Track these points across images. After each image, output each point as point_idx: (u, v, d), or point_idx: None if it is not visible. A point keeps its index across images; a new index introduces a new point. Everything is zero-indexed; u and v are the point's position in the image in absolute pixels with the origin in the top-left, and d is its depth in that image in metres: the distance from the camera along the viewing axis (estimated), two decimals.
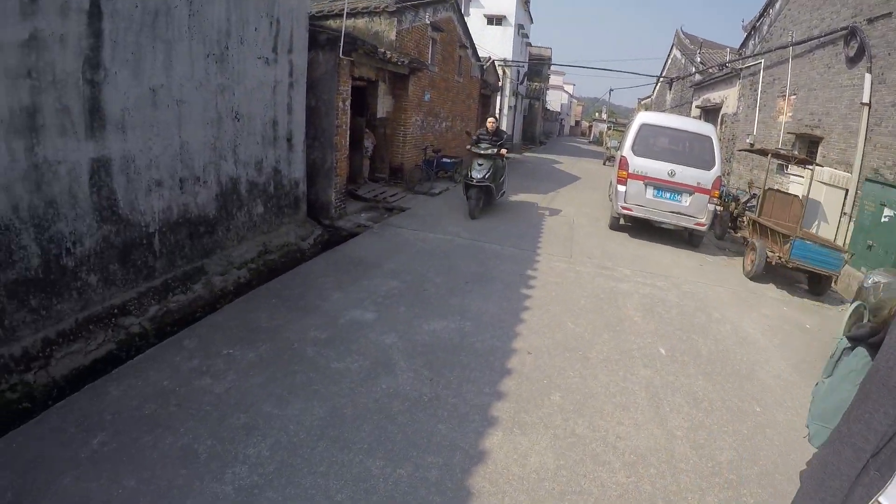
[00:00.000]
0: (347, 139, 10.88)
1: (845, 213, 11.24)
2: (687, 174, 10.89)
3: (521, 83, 37.03)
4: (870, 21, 11.13)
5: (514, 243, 9.68)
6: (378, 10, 12.99)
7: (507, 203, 13.82)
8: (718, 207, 12.18)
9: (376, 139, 13.39)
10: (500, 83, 28.64)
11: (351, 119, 12.04)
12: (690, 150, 11.39)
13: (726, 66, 21.91)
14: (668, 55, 37.93)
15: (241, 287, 6.80)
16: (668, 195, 11.02)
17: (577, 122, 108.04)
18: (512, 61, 30.73)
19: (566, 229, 11.55)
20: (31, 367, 4.14)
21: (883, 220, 9.64)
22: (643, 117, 11.86)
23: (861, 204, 10.40)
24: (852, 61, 11.79)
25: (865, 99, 10.89)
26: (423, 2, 14.23)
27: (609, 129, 39.90)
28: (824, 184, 11.65)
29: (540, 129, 51.49)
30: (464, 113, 20.17)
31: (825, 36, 12.98)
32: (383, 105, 13.63)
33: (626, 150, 11.33)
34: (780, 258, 9.26)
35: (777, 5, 16.89)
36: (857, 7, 11.90)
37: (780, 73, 16.03)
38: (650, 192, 11.05)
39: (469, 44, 19.63)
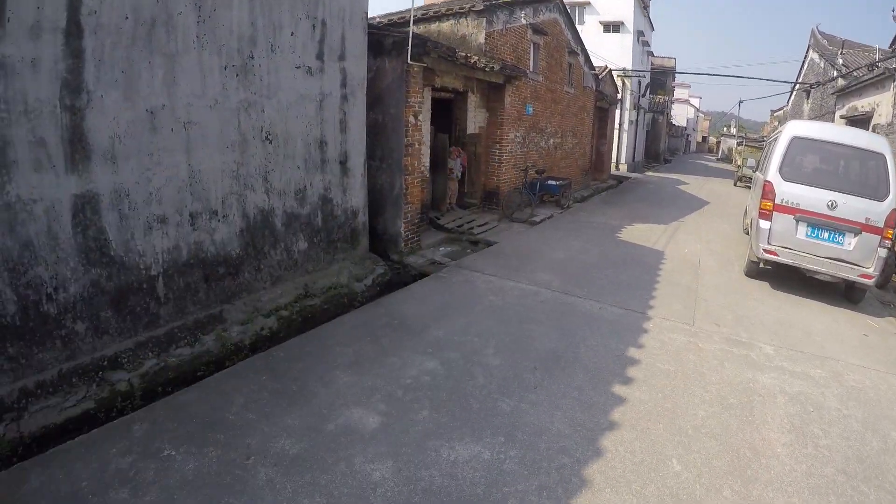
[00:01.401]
0: (422, 160, 9.36)
1: None
2: (852, 206, 8.17)
3: (643, 95, 34.07)
4: None
5: (620, 299, 7.27)
6: (464, 10, 11.21)
7: (619, 237, 11.38)
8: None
9: (466, 159, 11.60)
10: (618, 95, 26.00)
11: (433, 136, 10.45)
12: (857, 173, 8.74)
13: (877, 66, 18.25)
14: (805, 59, 33.52)
15: (261, 341, 5.70)
16: (826, 235, 8.27)
17: (704, 138, 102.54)
18: (632, 71, 27.97)
19: (689, 276, 8.92)
20: (2, 418, 3.83)
21: None
22: (795, 128, 9.08)
23: None
24: None
25: None
26: (518, 0, 12.39)
27: (740, 145, 35.97)
28: None
29: (664, 145, 47.93)
30: (576, 128, 17.85)
31: None
32: (475, 120, 11.81)
33: (772, 173, 8.72)
34: None
35: None
36: None
37: None
38: (802, 230, 8.37)
39: (580, 49, 17.39)
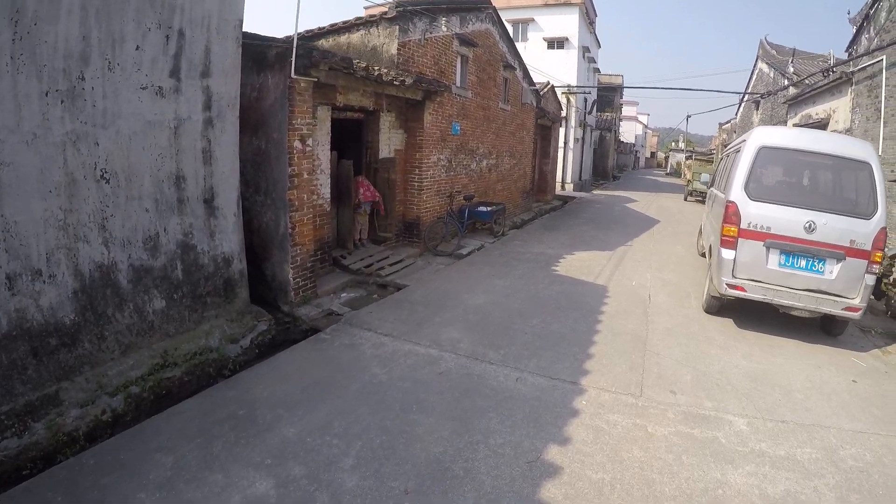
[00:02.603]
0: (320, 191, 8.16)
1: None
2: (834, 227, 6.83)
3: (590, 113, 33.33)
4: None
5: (545, 362, 5.75)
6: (374, 18, 9.80)
7: (556, 271, 9.94)
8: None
9: (379, 187, 10.06)
10: (562, 112, 24.97)
11: (335, 163, 8.95)
12: (838, 187, 7.43)
13: (833, 71, 17.67)
14: (753, 70, 33.51)
15: (101, 428, 4.60)
16: (803, 263, 6.90)
17: (653, 154, 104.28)
18: (576, 87, 27.07)
19: (637, 319, 7.48)
20: None
21: None
22: (762, 136, 7.55)
23: None
24: None
25: None
26: (440, 6, 10.99)
27: (689, 158, 35.64)
28: None
29: (613, 162, 47.51)
30: (514, 147, 16.54)
31: None
32: (389, 142, 10.29)
33: (736, 191, 7.26)
34: None
35: None
36: None
37: None
38: (774, 258, 7.02)
39: (517, 63, 16.12)
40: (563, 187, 27.62)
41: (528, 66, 17.82)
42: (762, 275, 7.04)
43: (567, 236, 13.96)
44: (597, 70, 35.72)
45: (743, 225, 7.07)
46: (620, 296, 8.53)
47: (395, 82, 8.59)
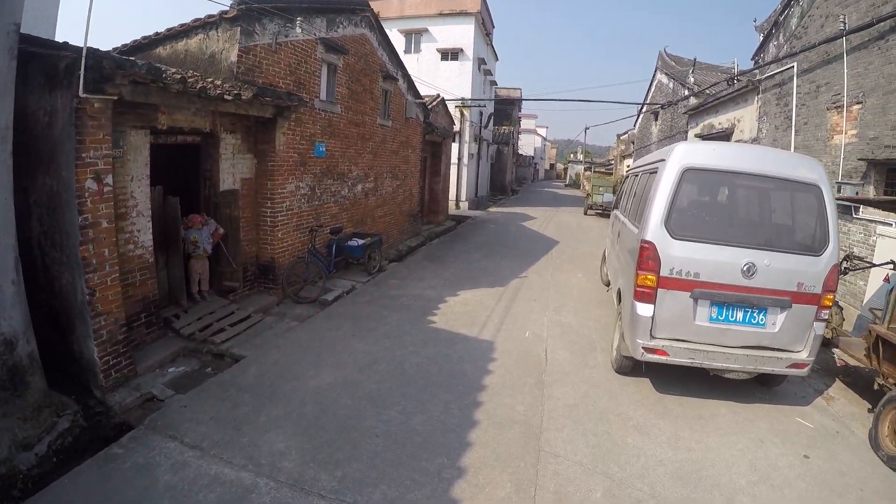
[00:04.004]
0: (138, 238, 6.68)
1: None
2: (778, 268, 5.79)
3: (486, 126, 32.74)
4: None
5: (396, 489, 4.35)
6: (213, 20, 8.17)
7: (433, 323, 8.58)
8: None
9: (222, 226, 8.38)
10: (455, 127, 24.01)
11: (160, 201, 7.26)
12: (781, 217, 6.38)
13: (738, 80, 17.81)
14: (652, 81, 34.56)
15: None
16: (740, 316, 5.90)
17: (552, 166, 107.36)
18: (471, 100, 26.25)
19: (529, 394, 6.23)
20: None
21: None
22: (686, 154, 6.09)
23: None
24: None
25: None
26: (300, 6, 9.46)
27: (588, 170, 35.97)
28: None
29: (511, 176, 47.60)
30: (397, 167, 15.18)
31: None
32: (234, 170, 8.59)
33: (654, 227, 5.96)
34: None
35: None
36: None
37: (828, 77, 11.83)
38: (704, 312, 5.89)
39: (401, 74, 14.82)
40: (457, 206, 26.68)
41: (416, 78, 16.65)
42: (689, 333, 5.96)
43: (453, 269, 12.74)
44: (494, 83, 35.27)
45: (663, 272, 5.86)
46: (510, 356, 7.30)
47: (226, 97, 6.98)
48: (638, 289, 5.97)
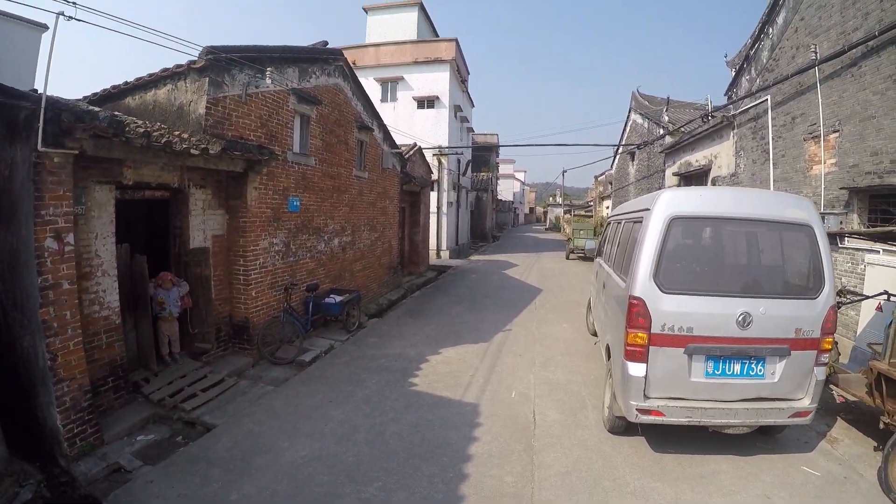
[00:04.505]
0: (104, 298, 6.45)
1: None
2: (774, 316, 5.59)
3: (464, 174, 32.94)
4: None
5: None
6: (182, 69, 8.06)
7: (415, 386, 8.23)
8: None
9: (193, 285, 8.07)
10: (432, 175, 24.07)
11: (126, 259, 7.00)
12: (774, 261, 6.19)
13: (712, 116, 18.15)
14: (627, 122, 35.29)
15: None
16: (737, 368, 5.66)
17: (532, 210, 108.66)
18: (447, 148, 26.43)
19: (518, 462, 5.86)
20: None
21: None
22: (672, 202, 5.91)
23: None
24: None
25: None
26: (271, 55, 9.42)
27: (568, 213, 36.24)
28: None
29: (492, 222, 47.80)
30: (375, 219, 15.05)
31: (882, 34, 9.12)
32: (204, 226, 8.36)
33: (642, 282, 5.75)
34: None
35: (780, 19, 13.06)
36: None
37: (803, 108, 12.08)
38: (699, 368, 5.64)
39: (376, 125, 14.84)
40: (438, 255, 26.55)
41: (392, 128, 16.72)
42: (685, 390, 5.68)
43: (435, 324, 12.44)
44: (470, 129, 35.70)
45: (655, 329, 5.61)
46: (496, 421, 6.94)
47: (192, 151, 6.79)
48: (628, 348, 5.74)
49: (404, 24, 29.50)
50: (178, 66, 8.01)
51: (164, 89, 8.24)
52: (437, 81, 27.55)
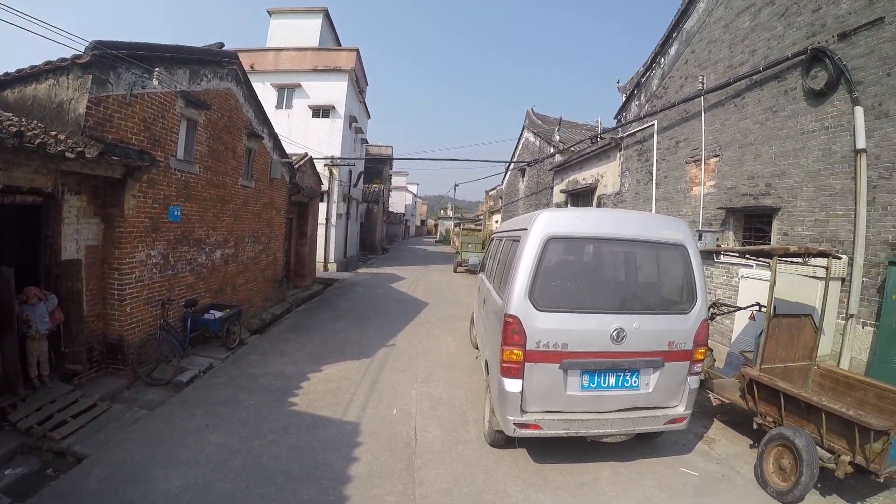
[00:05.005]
0: None
1: (852, 316, 8.54)
2: (647, 330, 6.07)
3: (356, 185, 32.87)
4: (843, 37, 8.97)
5: None
6: (65, 64, 7.64)
7: (294, 406, 8.19)
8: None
9: (63, 300, 7.58)
10: (322, 186, 23.87)
11: None
12: (648, 279, 6.71)
13: (601, 138, 19.61)
14: (519, 139, 36.81)
15: None
16: (612, 381, 6.07)
17: (423, 222, 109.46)
18: (339, 159, 26.32)
19: (399, 481, 5.96)
20: None
21: None
22: (548, 223, 6.19)
23: (887, 301, 7.75)
24: (820, 95, 9.32)
25: (861, 143, 8.50)
26: (161, 54, 9.08)
27: (458, 227, 37.06)
28: (803, 276, 8.77)
29: (382, 234, 47.90)
30: (260, 230, 14.75)
31: (766, 70, 10.50)
32: (77, 236, 7.86)
33: (517, 300, 5.96)
34: (851, 466, 5.57)
35: (672, 50, 14.47)
36: (814, 24, 9.58)
37: (686, 133, 13.49)
38: (575, 382, 5.98)
39: (267, 132, 14.61)
40: (325, 268, 26.30)
41: (284, 138, 16.51)
42: (561, 404, 6.01)
43: (318, 340, 12.37)
44: (365, 140, 35.70)
45: (530, 346, 5.85)
46: (377, 440, 7.04)
47: (68, 154, 6.48)
48: (504, 364, 5.96)
49: (307, 31, 29.22)
50: (63, 59, 7.60)
51: (46, 84, 7.79)
52: (335, 91, 27.44)
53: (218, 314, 10.55)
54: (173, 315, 9.72)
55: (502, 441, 6.76)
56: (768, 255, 7.44)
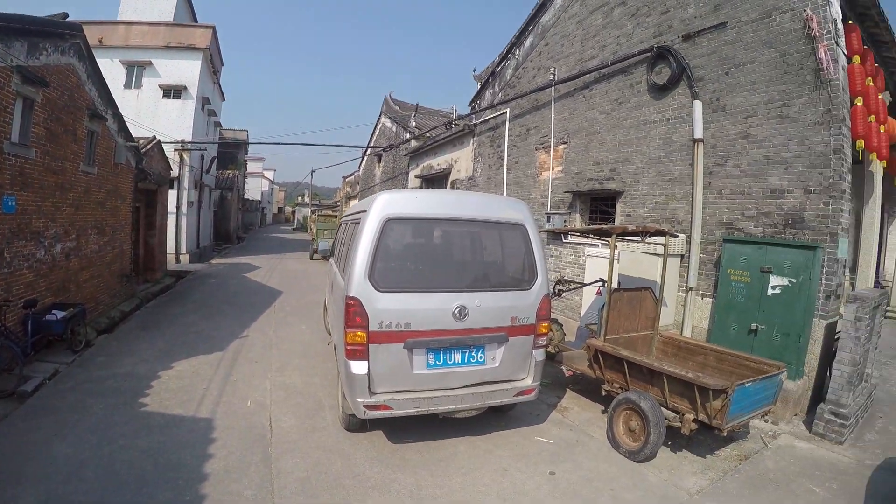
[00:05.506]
0: None
1: (691, 288, 9.75)
2: (490, 307, 6.39)
3: (208, 171, 31.44)
4: (687, 37, 10.04)
5: None
6: None
7: (146, 406, 7.77)
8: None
9: None
10: (172, 172, 22.62)
11: None
12: (490, 257, 7.03)
13: (455, 124, 20.53)
14: (377, 124, 37.17)
15: None
16: (458, 357, 6.31)
17: (281, 209, 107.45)
18: (192, 142, 25.07)
19: (256, 474, 5.87)
20: None
21: (770, 291, 8.24)
22: (387, 204, 6.30)
23: (723, 273, 8.92)
24: (663, 90, 10.46)
25: (698, 133, 9.64)
26: None
27: (314, 213, 36.66)
28: (647, 253, 9.84)
29: (237, 223, 46.23)
30: (104, 221, 13.67)
31: (614, 64, 11.63)
32: None
33: (357, 282, 6.00)
34: (696, 423, 6.34)
35: (528, 42, 15.48)
36: (662, 24, 10.69)
37: (537, 121, 14.60)
38: (421, 360, 6.18)
39: (111, 112, 13.58)
40: (178, 259, 25.00)
41: (130, 120, 15.48)
42: (409, 383, 6.18)
43: (168, 335, 11.90)
44: (218, 124, 34.09)
45: (373, 327, 5.95)
46: (232, 433, 6.91)
47: None
48: (349, 347, 6.01)
49: (162, 3, 27.49)
50: None
51: None
52: (188, 70, 25.94)
53: (61, 314, 9.76)
54: (12, 318, 8.86)
55: (358, 425, 6.84)
56: (607, 233, 8.21)
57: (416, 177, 24.12)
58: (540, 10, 14.70)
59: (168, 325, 12.90)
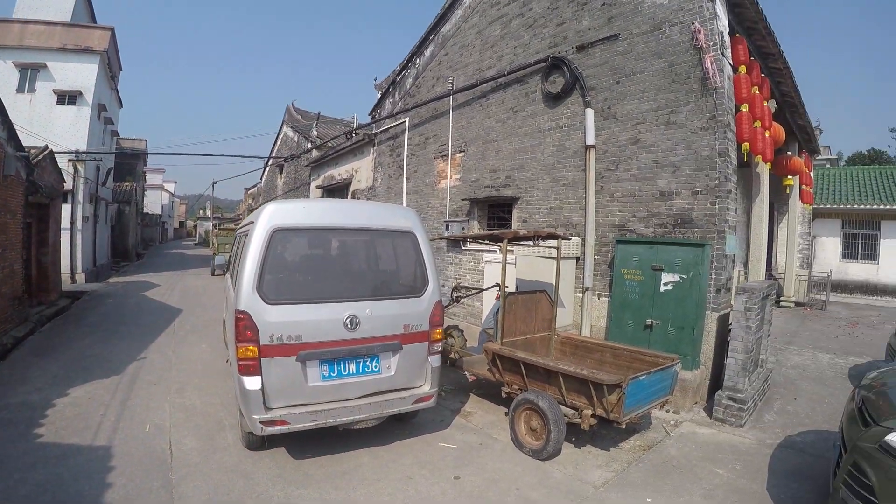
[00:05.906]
0: None
1: (588, 289, 10.23)
2: (382, 315, 6.48)
3: (105, 184, 29.95)
4: (581, 48, 10.55)
5: None
6: None
7: (39, 438, 7.24)
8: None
9: None
10: (65, 185, 21.39)
11: None
12: (381, 265, 7.22)
13: (356, 134, 20.82)
14: (278, 134, 36.84)
15: None
16: (352, 367, 6.36)
17: (182, 223, 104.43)
18: (87, 152, 23.77)
19: (155, 497, 5.61)
20: None
21: (663, 288, 8.70)
22: (275, 215, 6.29)
23: (617, 273, 9.36)
24: (557, 98, 10.95)
25: (591, 140, 10.14)
26: None
27: (216, 227, 35.77)
28: (543, 257, 10.26)
29: (136, 238, 44.30)
30: None
31: (510, 74, 12.11)
32: None
33: (246, 295, 5.96)
34: (596, 418, 6.59)
35: (428, 52, 15.86)
36: (557, 36, 11.18)
37: (436, 130, 15.01)
38: (315, 372, 6.16)
39: (0, 120, 12.79)
40: (73, 279, 23.52)
41: (23, 128, 14.54)
42: (305, 396, 6.12)
43: (64, 360, 11.23)
44: (116, 133, 32.51)
45: (264, 340, 5.89)
46: (131, 460, 6.57)
47: None
48: (241, 362, 5.94)
49: (60, 2, 26.11)
50: None
51: None
52: (84, 74, 24.53)
53: None
54: None
55: (258, 443, 6.69)
56: (499, 238, 8.45)
57: (318, 187, 24.09)
58: (441, 20, 15.09)
59: (64, 350, 12.18)
